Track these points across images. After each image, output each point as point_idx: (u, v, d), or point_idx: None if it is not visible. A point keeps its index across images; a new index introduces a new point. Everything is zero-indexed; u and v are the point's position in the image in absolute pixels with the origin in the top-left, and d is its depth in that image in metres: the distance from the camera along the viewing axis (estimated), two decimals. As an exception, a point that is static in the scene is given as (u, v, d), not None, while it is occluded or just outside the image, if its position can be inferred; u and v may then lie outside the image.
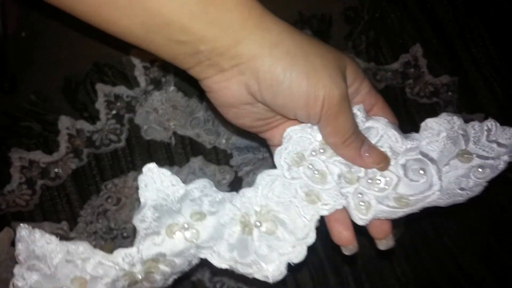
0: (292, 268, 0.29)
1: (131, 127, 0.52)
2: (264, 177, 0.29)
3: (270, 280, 0.28)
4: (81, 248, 0.27)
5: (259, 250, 0.27)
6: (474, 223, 0.61)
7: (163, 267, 0.28)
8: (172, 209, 0.28)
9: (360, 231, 0.58)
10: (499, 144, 0.29)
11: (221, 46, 0.25)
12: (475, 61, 0.59)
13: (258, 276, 0.28)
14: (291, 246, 0.28)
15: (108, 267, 0.27)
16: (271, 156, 0.31)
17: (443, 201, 0.29)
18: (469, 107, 0.59)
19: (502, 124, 0.31)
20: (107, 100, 0.51)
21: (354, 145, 0.27)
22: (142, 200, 0.28)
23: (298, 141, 0.29)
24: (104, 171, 0.52)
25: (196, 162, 0.53)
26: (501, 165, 0.29)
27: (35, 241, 0.26)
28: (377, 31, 0.56)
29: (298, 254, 0.28)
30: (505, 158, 0.29)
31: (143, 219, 0.28)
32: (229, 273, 0.29)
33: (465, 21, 0.59)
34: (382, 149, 0.28)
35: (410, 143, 0.29)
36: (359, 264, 0.57)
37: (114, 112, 0.51)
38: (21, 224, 0.27)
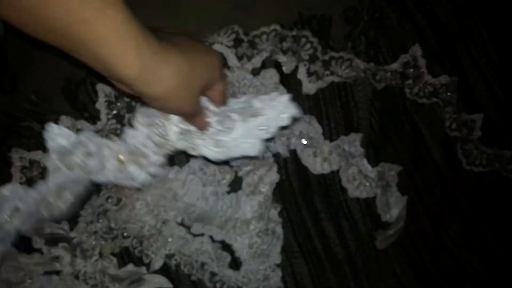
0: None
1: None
2: (128, 134, 0.42)
3: (141, 185, 0.44)
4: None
5: (131, 171, 0.42)
6: (474, 223, 0.61)
7: (67, 195, 0.43)
8: (69, 151, 0.41)
9: (359, 232, 0.58)
10: (283, 109, 0.41)
11: (122, 85, 0.32)
12: (475, 61, 0.59)
13: (134, 184, 0.43)
14: (152, 167, 0.43)
15: (31, 198, 0.43)
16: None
17: (244, 149, 0.42)
18: (469, 107, 0.59)
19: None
20: (107, 100, 0.51)
21: (198, 124, 0.41)
22: (48, 147, 0.41)
23: (148, 113, 0.41)
24: (104, 171, 0.52)
25: (196, 162, 0.53)
26: (281, 122, 0.42)
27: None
28: (376, 31, 0.57)
29: (156, 171, 0.43)
30: (284, 117, 0.41)
31: (51, 160, 0.41)
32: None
33: (465, 21, 0.59)
34: (211, 118, 0.42)
35: (224, 111, 0.42)
36: (359, 264, 0.57)
37: (114, 112, 0.51)
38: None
